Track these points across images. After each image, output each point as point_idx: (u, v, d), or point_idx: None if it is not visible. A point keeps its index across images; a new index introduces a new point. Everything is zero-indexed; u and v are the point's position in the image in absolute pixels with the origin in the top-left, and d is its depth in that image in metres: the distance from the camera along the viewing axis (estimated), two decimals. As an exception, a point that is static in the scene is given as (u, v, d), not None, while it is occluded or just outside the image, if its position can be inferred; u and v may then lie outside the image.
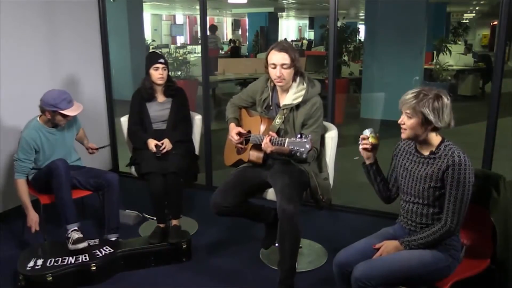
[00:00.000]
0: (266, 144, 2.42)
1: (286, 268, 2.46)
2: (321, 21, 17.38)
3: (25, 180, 2.96)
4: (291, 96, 2.54)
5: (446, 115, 1.90)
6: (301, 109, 2.54)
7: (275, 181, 2.52)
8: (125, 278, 2.78)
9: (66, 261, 2.68)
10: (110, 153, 4.52)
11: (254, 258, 2.99)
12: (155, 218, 3.08)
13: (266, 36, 15.42)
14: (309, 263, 2.93)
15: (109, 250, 2.82)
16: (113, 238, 3.00)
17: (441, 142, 1.97)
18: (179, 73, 7.96)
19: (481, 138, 3.17)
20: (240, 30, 23.61)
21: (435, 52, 9.39)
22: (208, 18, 4.13)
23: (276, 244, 2.57)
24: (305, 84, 2.55)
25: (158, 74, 3.07)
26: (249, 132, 2.69)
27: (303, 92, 2.53)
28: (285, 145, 2.32)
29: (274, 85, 2.62)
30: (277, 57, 2.46)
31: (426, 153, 2.00)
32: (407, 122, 1.94)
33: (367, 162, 2.18)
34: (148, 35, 15.72)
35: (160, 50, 11.39)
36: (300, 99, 2.52)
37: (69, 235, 2.80)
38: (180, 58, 8.40)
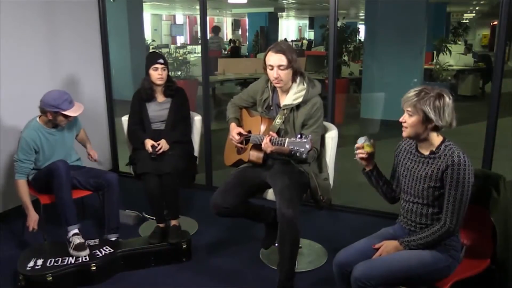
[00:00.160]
0: (266, 144, 2.42)
1: (286, 270, 2.46)
2: (321, 21, 17.37)
3: (25, 180, 2.96)
4: (291, 96, 2.54)
5: (447, 114, 1.89)
6: (301, 109, 2.54)
7: (274, 182, 2.52)
8: (125, 278, 2.78)
9: (66, 261, 2.68)
10: (110, 153, 4.52)
11: (254, 258, 2.99)
12: (155, 218, 3.08)
13: (266, 36, 15.41)
14: (309, 263, 2.93)
15: (109, 250, 2.82)
16: (113, 238, 3.00)
17: (442, 142, 1.97)
18: (179, 73, 7.96)
19: (481, 138, 3.17)
20: (240, 30, 23.61)
21: (435, 52, 9.39)
22: (208, 18, 4.13)
23: (276, 245, 2.57)
24: (305, 85, 2.55)
25: (157, 74, 3.07)
26: (249, 132, 2.69)
27: (303, 92, 2.53)
28: (285, 145, 2.32)
29: (275, 86, 2.62)
30: (274, 59, 2.46)
31: (426, 152, 2.00)
32: (408, 120, 1.94)
33: (367, 169, 2.19)
34: (148, 35, 15.71)
35: (160, 50, 11.39)
36: (300, 99, 2.52)
37: (70, 239, 2.80)
38: (180, 58, 8.40)
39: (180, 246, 2.92)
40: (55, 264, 2.65)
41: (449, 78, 8.37)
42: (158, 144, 3.03)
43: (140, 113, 3.17)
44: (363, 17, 14.09)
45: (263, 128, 2.62)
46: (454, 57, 9.08)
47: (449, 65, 8.30)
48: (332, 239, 3.19)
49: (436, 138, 1.97)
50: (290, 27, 26.32)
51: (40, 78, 3.67)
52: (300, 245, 2.91)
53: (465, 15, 19.13)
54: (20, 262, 2.66)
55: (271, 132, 2.46)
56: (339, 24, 7.02)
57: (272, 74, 2.48)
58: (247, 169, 2.68)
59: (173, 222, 3.02)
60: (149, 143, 3.03)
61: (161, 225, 3.02)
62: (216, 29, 12.61)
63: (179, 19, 22.90)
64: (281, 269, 2.48)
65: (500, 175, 2.16)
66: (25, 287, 2.58)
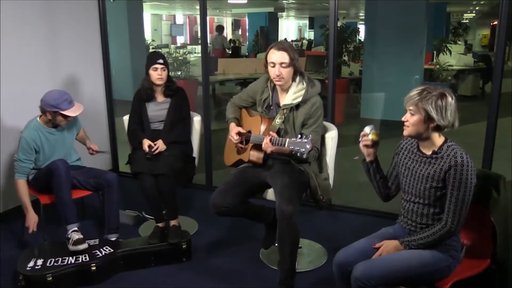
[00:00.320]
0: (266, 144, 2.42)
1: (286, 268, 2.47)
2: (321, 21, 17.36)
3: (25, 180, 2.96)
4: (291, 96, 2.54)
5: (449, 114, 1.89)
6: (301, 109, 2.54)
7: (274, 181, 2.52)
8: (125, 278, 2.78)
9: (66, 261, 2.68)
10: (110, 153, 4.51)
11: (254, 258, 2.99)
12: (154, 218, 3.08)
13: (266, 36, 15.40)
14: (309, 263, 2.93)
15: (109, 250, 2.82)
16: (113, 238, 3.00)
17: (444, 142, 1.96)
18: (179, 73, 7.96)
19: (481, 138, 3.17)
20: (240, 30, 23.60)
21: (435, 52, 9.39)
22: (208, 18, 4.13)
23: (276, 244, 2.57)
24: (305, 84, 2.55)
25: (157, 74, 3.06)
26: (249, 132, 2.69)
27: (303, 92, 2.53)
28: (286, 145, 2.31)
29: (274, 85, 2.62)
30: (276, 56, 2.46)
31: (428, 152, 1.99)
32: (410, 119, 1.94)
33: (368, 159, 2.18)
34: (148, 35, 15.71)
35: (160, 50, 11.38)
36: (300, 99, 2.52)
37: (69, 236, 2.80)
38: (180, 58, 8.40)
39: (180, 246, 2.92)
40: (55, 264, 2.65)
41: (449, 78, 8.37)
42: (155, 144, 3.03)
43: (140, 113, 3.17)
44: (363, 17, 14.09)
45: (263, 128, 2.62)
46: (454, 57, 9.07)
47: (449, 65, 8.30)
48: (332, 239, 3.19)
49: (438, 138, 1.97)
50: (290, 27, 26.31)
51: (40, 78, 3.67)
52: (300, 245, 2.91)
53: (465, 15, 19.13)
54: (20, 262, 2.66)
55: (271, 132, 2.45)
56: (339, 24, 7.02)
57: (274, 71, 2.48)
58: (247, 169, 2.68)
59: (172, 222, 3.02)
60: (146, 143, 3.03)
61: (160, 224, 3.02)
62: (220, 28, 12.84)
63: (179, 19, 22.90)
64: (281, 268, 2.48)
65: (500, 175, 2.16)
66: (25, 287, 2.58)
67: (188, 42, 20.83)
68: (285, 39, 17.74)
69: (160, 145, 3.04)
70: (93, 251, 2.78)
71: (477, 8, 16.38)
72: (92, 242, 2.88)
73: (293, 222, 2.37)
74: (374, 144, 2.14)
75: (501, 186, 2.11)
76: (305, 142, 2.23)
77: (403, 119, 1.97)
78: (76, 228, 2.85)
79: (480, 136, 3.20)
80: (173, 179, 2.95)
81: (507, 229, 2.05)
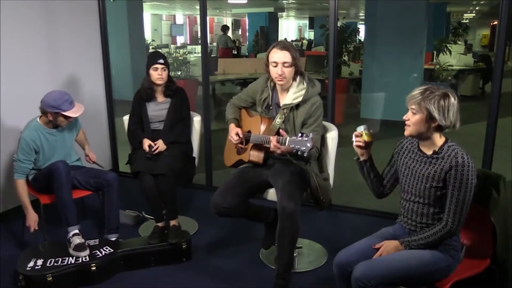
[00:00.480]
0: (275, 146, 2.37)
1: (284, 263, 2.48)
2: (321, 21, 17.36)
3: (24, 180, 2.96)
4: (291, 95, 2.54)
5: (451, 114, 1.89)
6: (301, 108, 2.54)
7: (276, 180, 2.52)
8: (125, 278, 2.78)
9: (66, 261, 2.68)
10: (110, 153, 4.52)
11: (254, 258, 2.99)
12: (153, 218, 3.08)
13: (266, 36, 15.41)
14: (309, 263, 2.93)
15: (109, 250, 2.82)
16: (113, 238, 3.00)
17: (445, 142, 1.96)
18: (179, 73, 7.96)
19: (481, 138, 3.17)
20: (240, 30, 23.61)
21: (435, 52, 9.39)
22: (208, 18, 4.13)
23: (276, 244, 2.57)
24: (305, 84, 2.55)
25: (157, 74, 3.07)
26: (249, 132, 2.69)
27: (303, 91, 2.53)
28: (286, 144, 2.31)
29: (274, 85, 2.62)
30: (278, 55, 2.46)
31: (429, 152, 1.99)
32: (411, 118, 1.94)
33: (361, 158, 2.19)
34: (148, 35, 15.71)
35: (160, 50, 11.39)
36: (300, 99, 2.52)
37: (70, 239, 2.80)
38: (180, 58, 8.40)
39: (180, 246, 2.92)
40: (55, 264, 2.65)
41: (449, 78, 8.37)
42: (155, 144, 3.03)
43: (140, 113, 3.17)
44: (363, 17, 14.09)
45: (263, 128, 2.61)
46: (454, 57, 9.07)
47: (449, 65, 8.30)
48: (332, 239, 3.19)
49: (438, 139, 1.97)
50: (290, 27, 26.32)
51: (40, 78, 3.67)
52: (300, 245, 2.92)
53: (465, 15, 19.13)
54: (20, 262, 2.66)
55: (280, 132, 2.41)
56: (339, 24, 7.02)
57: (276, 71, 2.47)
58: (247, 169, 2.68)
59: (172, 222, 3.02)
60: (146, 142, 3.03)
61: (160, 224, 3.02)
62: (225, 28, 13.14)
63: (179, 19, 22.90)
64: (279, 263, 2.49)
65: (500, 175, 2.16)
66: (25, 287, 2.58)
67: (188, 42, 20.83)
68: (285, 39, 17.75)
69: (160, 145, 3.04)
70: (93, 251, 2.78)
71: (477, 8, 16.39)
72: (92, 242, 2.88)
73: (294, 219, 2.37)
74: (367, 145, 2.14)
75: (501, 186, 2.11)
76: (306, 140, 2.23)
77: (404, 118, 1.97)
78: (77, 231, 2.85)
79: (480, 136, 3.20)
80: (173, 179, 2.95)
81: (507, 229, 2.05)
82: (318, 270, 2.85)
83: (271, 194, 2.66)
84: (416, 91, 1.93)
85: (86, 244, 2.80)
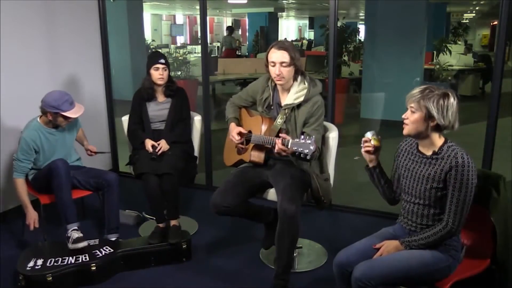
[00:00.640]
0: (281, 148, 2.33)
1: (283, 264, 2.48)
2: (321, 21, 17.36)
3: (23, 179, 2.96)
4: (293, 95, 2.54)
5: (450, 114, 1.89)
6: (303, 108, 2.53)
7: (276, 181, 2.52)
8: (125, 278, 2.78)
9: (66, 261, 2.68)
10: (110, 152, 4.51)
11: (254, 258, 2.99)
12: (154, 218, 3.08)
13: (266, 36, 15.41)
14: (309, 263, 2.93)
15: (109, 250, 2.82)
16: (113, 238, 3.00)
17: (444, 142, 1.96)
18: (179, 73, 7.96)
19: (481, 138, 3.17)
20: (240, 30, 23.61)
21: (435, 52, 9.39)
22: (208, 18, 4.13)
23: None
24: (306, 84, 2.54)
25: (158, 74, 3.07)
26: (249, 132, 2.69)
27: (304, 91, 2.52)
28: (288, 146, 2.30)
29: (275, 85, 2.61)
30: (276, 55, 2.45)
31: (428, 153, 1.99)
32: (410, 117, 1.93)
33: (370, 165, 2.18)
34: (148, 35, 15.71)
35: (160, 50, 11.39)
36: (301, 99, 2.51)
37: (69, 234, 2.81)
38: (180, 58, 8.40)
39: (180, 246, 2.92)
40: (55, 264, 2.65)
41: (449, 78, 8.37)
42: (158, 144, 3.03)
43: (140, 113, 3.17)
44: (363, 17, 14.08)
45: (264, 128, 2.61)
46: (454, 57, 9.07)
47: (449, 65, 8.30)
48: (332, 239, 3.19)
49: (438, 139, 1.97)
50: (290, 27, 26.31)
51: (40, 78, 3.67)
52: (300, 245, 2.92)
53: (465, 15, 19.13)
54: (20, 262, 2.66)
55: (281, 135, 2.39)
56: (339, 24, 7.01)
57: (274, 70, 2.47)
58: (247, 169, 2.68)
59: (172, 222, 3.02)
60: (149, 143, 3.03)
61: (160, 225, 3.02)
62: (231, 29, 13.39)
63: (179, 19, 22.89)
64: (278, 264, 2.49)
65: (500, 175, 2.16)
66: (25, 287, 2.58)
67: (188, 42, 20.82)
68: (285, 39, 17.76)
69: (163, 145, 3.04)
70: (93, 251, 2.78)
71: (477, 8, 16.39)
72: (92, 242, 2.88)
73: (295, 221, 2.38)
74: (376, 150, 2.13)
75: (501, 186, 2.11)
76: (309, 143, 2.22)
77: (403, 116, 1.97)
78: (76, 227, 2.85)
79: (480, 136, 3.20)
80: (176, 178, 2.96)
81: (507, 229, 2.05)
82: (318, 270, 2.85)
83: (271, 194, 2.66)
84: (416, 90, 1.93)
85: (87, 243, 2.80)
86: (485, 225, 2.10)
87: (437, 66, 8.25)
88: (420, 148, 2.03)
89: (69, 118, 2.90)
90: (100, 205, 3.13)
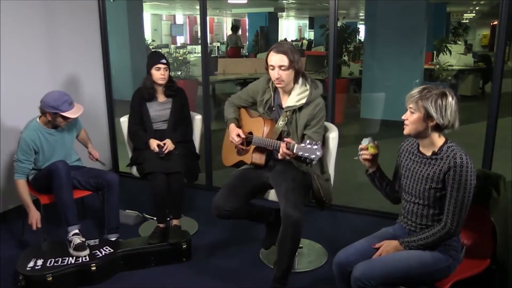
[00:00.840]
0: (285, 152, 2.32)
1: (283, 269, 2.48)
2: (321, 21, 17.36)
3: (25, 180, 2.96)
4: (294, 97, 2.53)
5: (449, 113, 1.89)
6: (304, 110, 2.53)
7: (277, 183, 2.52)
8: (125, 278, 2.78)
9: (66, 261, 2.68)
10: (110, 153, 4.51)
11: (254, 258, 2.99)
12: (155, 218, 3.08)
13: (266, 36, 15.42)
14: (309, 263, 2.93)
15: (109, 250, 2.82)
16: (113, 238, 3.00)
17: (444, 143, 1.96)
18: (179, 73, 7.96)
19: (481, 138, 3.17)
20: (240, 30, 23.60)
21: (435, 52, 9.39)
22: (208, 18, 4.13)
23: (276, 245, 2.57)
24: (307, 86, 2.53)
25: (160, 74, 3.08)
26: (250, 133, 2.68)
27: (306, 93, 2.51)
28: (294, 151, 2.29)
29: (276, 86, 2.61)
30: (275, 59, 2.45)
31: (428, 153, 1.99)
32: (409, 117, 1.94)
33: (370, 170, 2.18)
34: (148, 35, 15.71)
35: (160, 50, 11.39)
36: (303, 101, 2.50)
37: (70, 239, 2.80)
38: (180, 58, 8.40)
39: (180, 246, 2.92)
40: (55, 264, 2.65)
41: (449, 78, 8.37)
42: (164, 144, 3.03)
43: (140, 113, 3.16)
44: (363, 17, 14.08)
45: (266, 129, 2.59)
46: (454, 57, 9.07)
47: (449, 65, 8.30)
48: (332, 239, 3.19)
49: (438, 139, 1.97)
50: (290, 27, 26.31)
51: (40, 78, 3.67)
52: (300, 245, 2.92)
53: (465, 15, 19.13)
54: (20, 262, 2.66)
55: (286, 139, 2.37)
56: (339, 24, 7.01)
57: (273, 74, 2.47)
58: (248, 170, 2.67)
59: (174, 222, 3.02)
60: (154, 142, 3.03)
61: (161, 225, 3.02)
62: (236, 28, 13.46)
63: (179, 19, 22.89)
64: (278, 267, 2.49)
65: (500, 175, 2.16)
66: (25, 287, 2.58)
67: (188, 42, 20.82)
68: (285, 39, 17.76)
69: (169, 144, 3.04)
70: (93, 251, 2.78)
71: (477, 8, 16.39)
72: (92, 242, 2.88)
73: (299, 227, 2.38)
74: (374, 157, 2.14)
75: (501, 186, 2.11)
76: (315, 148, 2.21)
77: (403, 117, 1.97)
78: (77, 231, 2.85)
79: (480, 136, 3.20)
80: (183, 177, 2.98)
81: (507, 229, 2.05)
82: (318, 270, 2.85)
83: (272, 194, 2.65)
84: (415, 91, 1.93)
85: (86, 244, 2.80)
86: (485, 225, 2.10)
87: (437, 66, 8.25)
88: (421, 148, 2.03)
89: (68, 118, 2.90)
90: (100, 205, 3.13)
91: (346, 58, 7.98)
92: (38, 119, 2.99)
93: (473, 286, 2.08)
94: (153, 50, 9.17)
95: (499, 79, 3.03)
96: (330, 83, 3.51)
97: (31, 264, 2.64)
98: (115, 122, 4.45)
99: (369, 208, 3.61)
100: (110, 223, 3.02)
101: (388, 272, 1.91)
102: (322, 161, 2.66)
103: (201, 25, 3.99)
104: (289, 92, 2.56)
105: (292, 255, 2.49)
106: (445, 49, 8.73)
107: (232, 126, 2.71)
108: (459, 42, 13.61)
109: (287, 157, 2.35)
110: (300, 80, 2.54)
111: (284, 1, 15.75)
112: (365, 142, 2.12)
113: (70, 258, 2.71)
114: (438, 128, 1.93)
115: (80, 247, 2.75)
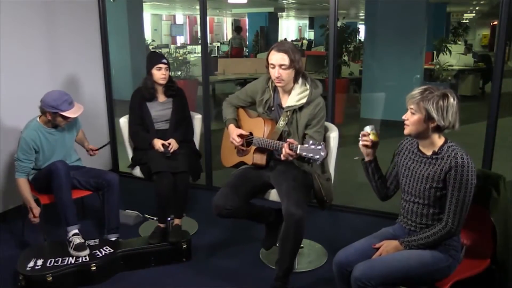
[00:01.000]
0: (288, 153, 2.32)
1: (285, 267, 2.48)
2: (321, 21, 17.36)
3: (26, 179, 2.96)
4: (294, 97, 2.52)
5: (450, 114, 1.89)
6: (305, 110, 2.52)
7: (278, 183, 2.52)
8: (125, 278, 2.78)
9: (66, 261, 2.68)
10: (110, 153, 4.52)
11: (255, 258, 2.99)
12: (155, 218, 3.08)
13: (266, 36, 15.43)
14: (309, 263, 2.93)
15: (109, 250, 2.82)
16: (113, 238, 3.00)
17: (444, 142, 1.96)
18: (179, 73, 7.96)
19: (481, 138, 3.17)
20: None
21: (435, 52, 9.39)
22: (208, 18, 4.14)
23: (277, 245, 2.57)
24: (308, 85, 2.53)
25: (161, 74, 3.08)
26: (250, 134, 2.68)
27: (306, 93, 2.51)
28: (297, 152, 2.29)
29: (276, 86, 2.61)
30: (276, 58, 2.45)
31: (428, 153, 1.99)
32: (410, 118, 1.94)
33: (367, 159, 2.18)
34: (148, 35, 15.72)
35: (160, 50, 11.39)
36: (304, 100, 2.50)
37: (70, 239, 2.80)
38: (180, 58, 8.40)
39: (180, 246, 2.92)
40: (55, 264, 2.65)
41: (449, 78, 8.37)
42: (169, 144, 3.03)
43: (140, 113, 3.16)
44: (363, 17, 14.09)
45: (266, 130, 2.58)
46: (454, 57, 9.07)
47: (449, 65, 8.30)
48: (332, 239, 3.19)
49: (438, 139, 1.97)
50: (290, 27, 26.31)
51: (40, 78, 3.67)
52: (301, 245, 2.92)
53: (465, 15, 19.14)
54: (20, 262, 2.66)
55: (288, 140, 2.38)
56: (339, 24, 7.01)
57: (274, 73, 2.47)
58: (248, 170, 2.67)
59: (176, 221, 3.02)
60: (158, 142, 3.03)
61: (161, 225, 3.02)
62: (239, 29, 13.84)
63: (179, 19, 22.89)
64: (280, 265, 2.49)
65: (500, 175, 2.16)
66: (25, 287, 2.58)
67: (188, 42, 20.83)
68: (285, 39, 17.76)
69: (174, 144, 3.05)
70: (93, 251, 2.78)
71: (477, 8, 16.39)
72: (92, 242, 2.88)
73: (301, 225, 2.37)
74: (374, 145, 2.14)
75: (501, 186, 2.11)
76: (319, 149, 2.21)
77: (403, 117, 1.97)
78: (77, 231, 2.85)
79: (480, 136, 3.20)
80: (189, 176, 3.00)
81: (507, 229, 2.05)
82: (318, 270, 2.85)
83: (273, 194, 2.65)
84: (416, 91, 1.93)
85: (86, 244, 2.80)
86: (485, 225, 2.10)
87: (437, 66, 8.25)
88: (421, 148, 2.03)
89: (68, 118, 2.90)
90: (100, 205, 3.13)
91: (346, 58, 7.98)
92: (38, 119, 2.99)
93: (473, 286, 2.08)
94: (152, 50, 9.17)
95: (499, 79, 3.03)
96: (330, 83, 3.51)
97: (31, 264, 2.64)
98: (115, 122, 4.45)
99: (369, 208, 3.61)
100: (110, 223, 3.02)
101: (388, 272, 1.91)
102: (323, 161, 2.66)
103: (201, 25, 3.99)
104: (289, 92, 2.56)
105: (294, 254, 2.49)
106: (445, 49, 8.73)
107: (232, 127, 2.71)
108: (459, 42, 13.61)
109: (290, 158, 2.35)
110: (300, 80, 2.54)
111: (284, 1, 15.75)
112: (367, 129, 2.13)
113: (70, 258, 2.71)
114: (439, 129, 1.93)
115: (79, 247, 2.75)
